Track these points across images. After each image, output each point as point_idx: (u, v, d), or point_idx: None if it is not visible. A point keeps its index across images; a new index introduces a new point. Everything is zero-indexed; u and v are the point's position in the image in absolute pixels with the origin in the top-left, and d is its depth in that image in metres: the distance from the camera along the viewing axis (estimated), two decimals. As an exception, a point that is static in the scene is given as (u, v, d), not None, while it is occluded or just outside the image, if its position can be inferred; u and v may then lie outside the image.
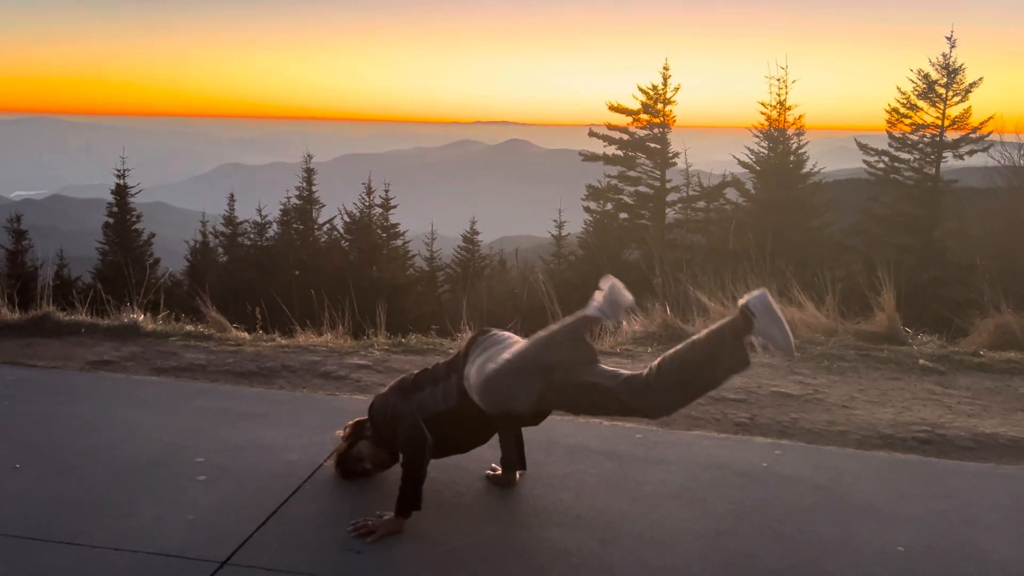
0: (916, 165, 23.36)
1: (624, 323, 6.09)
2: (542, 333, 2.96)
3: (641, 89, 25.26)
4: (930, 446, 3.95)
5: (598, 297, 2.89)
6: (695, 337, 2.94)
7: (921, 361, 5.20)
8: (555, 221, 27.40)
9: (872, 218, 23.30)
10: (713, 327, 2.93)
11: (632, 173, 25.35)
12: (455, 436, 3.12)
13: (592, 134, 26.00)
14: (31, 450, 3.55)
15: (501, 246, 34.84)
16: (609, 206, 25.47)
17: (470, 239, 28.62)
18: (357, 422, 3.33)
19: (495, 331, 3.20)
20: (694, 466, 3.57)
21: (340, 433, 3.34)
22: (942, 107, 22.95)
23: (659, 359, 2.94)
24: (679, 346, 2.95)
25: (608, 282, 2.90)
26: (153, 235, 27.52)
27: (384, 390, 3.29)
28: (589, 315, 2.88)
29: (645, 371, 2.93)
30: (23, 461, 3.43)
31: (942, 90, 22.93)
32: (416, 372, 3.26)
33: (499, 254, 30.53)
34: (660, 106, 25.03)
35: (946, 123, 22.94)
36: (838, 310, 6.09)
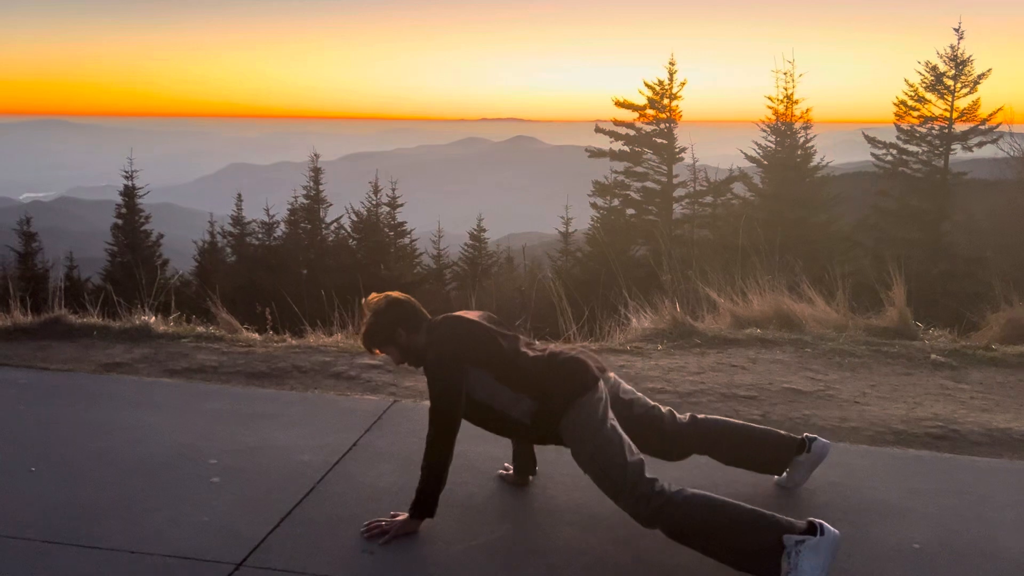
0: (924, 158, 23.24)
1: (633, 320, 6.09)
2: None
3: (647, 84, 25.20)
4: (943, 442, 3.93)
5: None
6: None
7: (933, 356, 5.18)
8: (562, 218, 27.39)
9: (881, 212, 23.20)
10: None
11: (639, 169, 25.29)
12: (481, 422, 3.02)
13: (598, 130, 25.94)
14: (46, 453, 3.57)
15: (508, 243, 34.85)
16: (616, 202, 25.42)
17: (477, 236, 28.64)
18: (387, 301, 3.06)
19: (615, 379, 3.12)
20: (707, 464, 3.55)
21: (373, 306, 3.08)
22: (950, 99, 22.82)
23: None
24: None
25: None
26: (162, 236, 27.63)
27: (464, 318, 3.03)
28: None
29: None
30: (38, 464, 3.45)
31: (950, 82, 22.80)
32: (510, 336, 3.03)
33: (506, 251, 30.56)
34: (666, 101, 24.95)
35: (954, 115, 22.81)
36: (848, 305, 6.07)
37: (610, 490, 2.81)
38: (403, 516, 2.94)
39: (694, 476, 3.44)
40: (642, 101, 25.19)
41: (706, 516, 2.66)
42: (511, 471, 3.34)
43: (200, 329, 5.77)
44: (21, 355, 5.15)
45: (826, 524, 2.55)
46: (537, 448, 3.35)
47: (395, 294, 3.12)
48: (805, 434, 3.24)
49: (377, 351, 3.10)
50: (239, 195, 28.48)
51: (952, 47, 22.71)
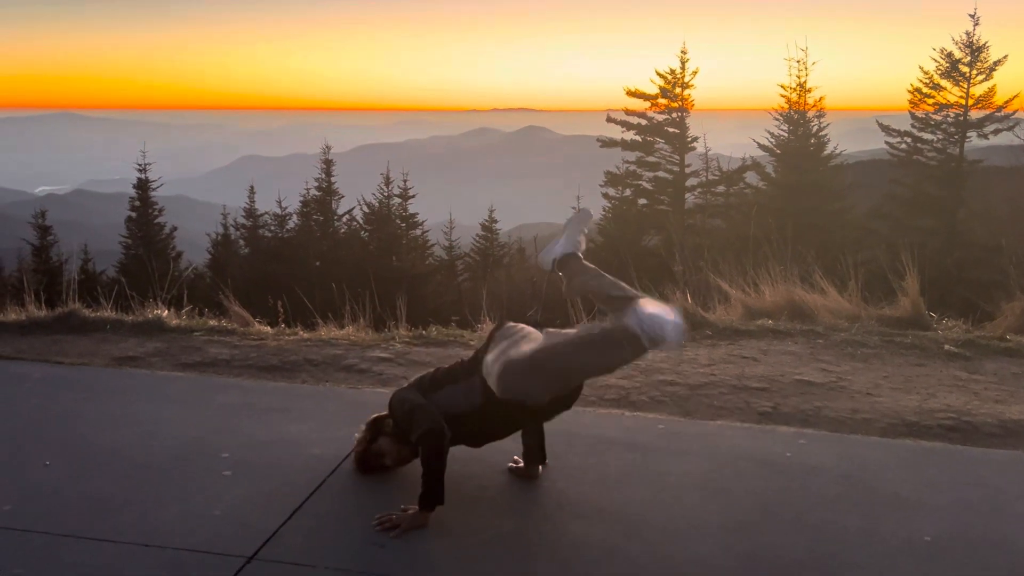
0: (939, 145, 23.03)
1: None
2: (576, 338, 2.90)
3: (659, 73, 25.07)
4: (956, 433, 3.91)
5: (647, 310, 2.80)
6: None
7: (946, 346, 5.15)
8: (573, 208, 27.29)
9: (895, 200, 23.02)
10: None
11: (651, 158, 25.19)
12: (474, 435, 3.14)
13: (610, 120, 25.84)
14: (60, 447, 3.60)
15: (519, 234, 34.83)
16: (628, 192, 25.34)
17: (488, 228, 28.63)
18: (375, 419, 3.34)
19: (513, 324, 3.20)
20: (717, 457, 3.56)
21: (358, 434, 3.36)
22: (966, 86, 22.59)
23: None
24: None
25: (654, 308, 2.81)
26: (175, 228, 27.77)
27: (404, 385, 3.31)
28: (630, 331, 2.77)
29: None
30: (52, 458, 3.48)
31: (966, 68, 22.57)
32: (434, 370, 3.27)
33: (518, 242, 30.54)
34: (678, 90, 24.83)
35: (970, 102, 22.59)
36: (861, 295, 6.04)
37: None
38: (413, 509, 2.95)
39: (717, 444, 3.44)
40: (654, 90, 25.09)
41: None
42: (521, 464, 3.35)
43: (212, 323, 5.81)
44: (36, 349, 5.19)
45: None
46: (547, 442, 3.36)
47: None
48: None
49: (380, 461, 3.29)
50: (252, 187, 28.58)
51: (968, 33, 22.49)
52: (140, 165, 27.26)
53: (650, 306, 2.82)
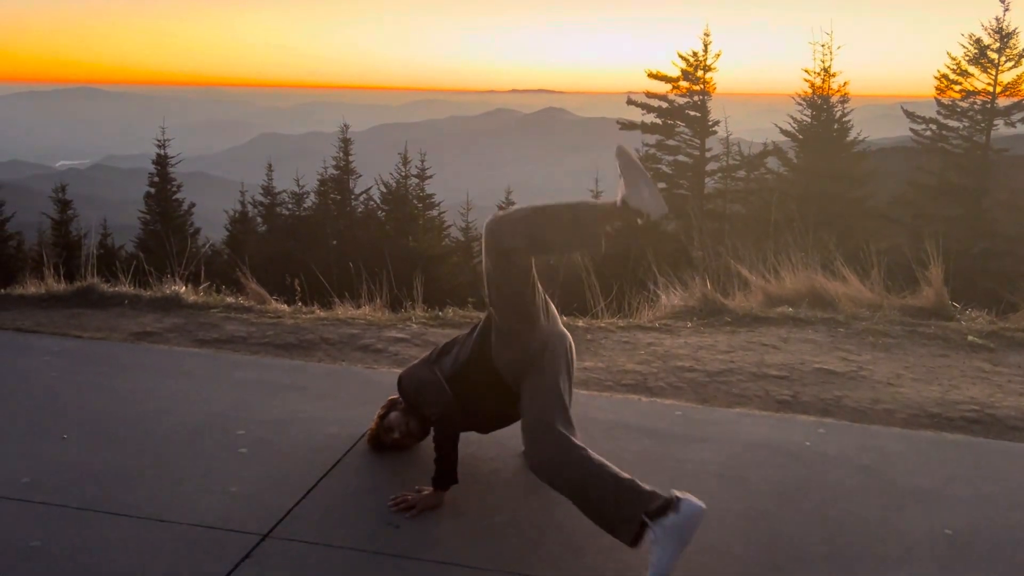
0: (965, 133, 22.69)
1: (663, 297, 6.03)
2: (568, 204, 2.92)
3: (681, 56, 24.81)
4: (979, 426, 3.85)
5: (631, 184, 2.78)
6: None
7: (970, 337, 5.07)
8: (591, 191, 27.14)
9: (918, 188, 22.73)
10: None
11: (671, 142, 24.98)
12: (473, 399, 3.06)
13: (630, 102, 25.62)
14: (78, 421, 3.61)
15: (537, 216, 34.60)
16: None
17: (505, 209, 28.54)
18: (391, 399, 3.35)
19: None
20: (735, 445, 3.52)
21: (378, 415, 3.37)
22: (994, 73, 22.22)
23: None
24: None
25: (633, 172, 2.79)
26: (193, 205, 27.89)
27: (412, 363, 3.32)
28: (631, 205, 2.76)
29: None
30: (70, 431, 3.49)
31: (994, 55, 22.18)
32: (441, 344, 3.27)
33: (535, 224, 30.35)
34: (700, 73, 24.56)
35: (998, 89, 22.22)
36: (883, 284, 5.95)
37: None
38: (428, 490, 2.94)
39: (735, 432, 3.40)
40: (675, 73, 24.83)
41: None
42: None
43: (230, 300, 5.81)
44: (55, 322, 5.21)
45: (687, 498, 2.48)
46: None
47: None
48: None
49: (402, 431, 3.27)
50: (269, 165, 28.63)
51: (997, 19, 22.10)
52: (159, 141, 27.37)
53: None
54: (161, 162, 27.45)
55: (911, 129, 23.47)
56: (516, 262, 2.90)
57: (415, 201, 26.97)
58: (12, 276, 9.06)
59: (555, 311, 3.15)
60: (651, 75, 25.22)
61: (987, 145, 22.33)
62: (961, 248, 17.17)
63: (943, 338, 5.08)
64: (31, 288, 5.98)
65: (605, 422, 3.71)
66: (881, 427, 3.80)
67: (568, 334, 3.12)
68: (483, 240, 2.95)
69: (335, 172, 27.25)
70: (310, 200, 27.55)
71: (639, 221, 2.86)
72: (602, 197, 24.47)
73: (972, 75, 22.56)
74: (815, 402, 4.09)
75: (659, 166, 24.97)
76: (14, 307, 5.56)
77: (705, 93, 24.70)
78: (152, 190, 27.35)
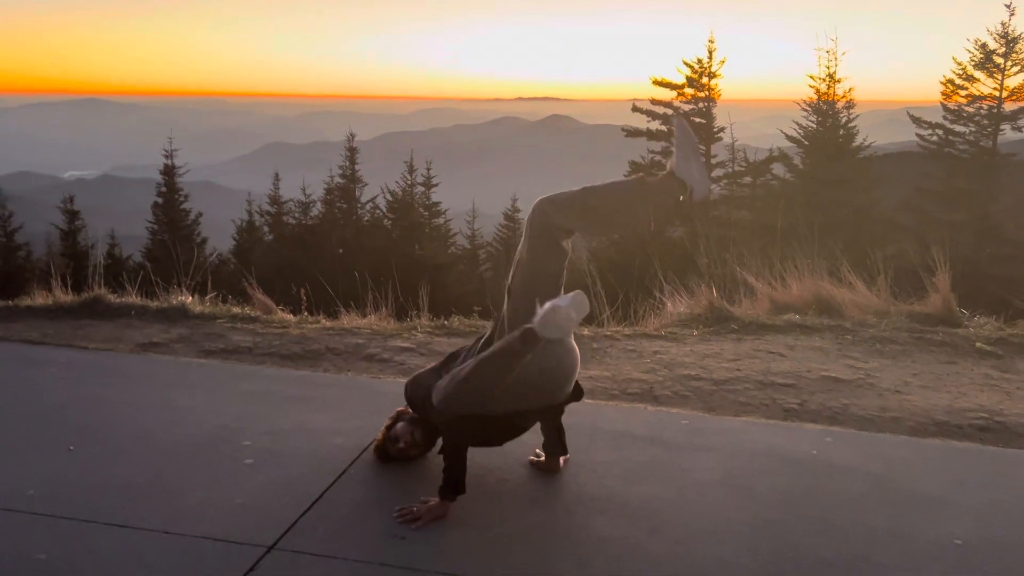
0: (972, 138, 22.64)
1: (669, 304, 6.02)
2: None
3: (686, 63, 24.82)
4: (988, 433, 3.83)
5: (684, 157, 2.85)
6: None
7: (978, 344, 5.04)
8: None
9: (925, 194, 22.68)
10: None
11: (676, 149, 24.95)
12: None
13: (635, 109, 25.62)
14: (84, 432, 3.62)
15: (543, 223, 34.59)
16: (653, 183, 25.14)
17: (511, 216, 28.57)
18: (399, 410, 3.35)
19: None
20: (742, 453, 3.51)
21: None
22: (1000, 77, 22.19)
23: None
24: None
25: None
26: (200, 214, 27.99)
27: (420, 371, 3.32)
28: (678, 175, 2.83)
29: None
30: (76, 443, 3.50)
31: (1000, 60, 22.15)
32: (449, 353, 3.27)
33: (541, 232, 30.35)
34: (705, 80, 24.56)
35: (1004, 94, 22.17)
36: (890, 290, 5.93)
37: None
38: (434, 500, 2.94)
39: (742, 440, 3.39)
40: (680, 80, 24.85)
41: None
42: (542, 458, 3.32)
43: (235, 310, 5.82)
44: (61, 333, 5.23)
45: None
46: (569, 435, 3.33)
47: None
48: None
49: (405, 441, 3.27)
50: (276, 174, 28.72)
51: (1003, 23, 22.09)
52: (166, 151, 27.49)
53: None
54: (168, 172, 27.59)
55: (917, 134, 23.43)
56: (558, 241, 2.94)
57: (421, 209, 27.02)
58: (20, 287, 9.10)
59: None
60: (656, 82, 25.24)
61: (994, 150, 22.28)
62: (968, 254, 17.12)
63: (951, 345, 5.06)
64: (38, 299, 6.01)
65: (611, 431, 3.70)
66: (889, 435, 3.78)
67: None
68: (529, 220, 2.97)
69: (341, 181, 27.33)
70: (316, 209, 27.64)
71: (681, 197, 2.90)
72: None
73: (978, 80, 22.54)
74: (822, 410, 4.07)
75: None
76: (22, 318, 5.58)
77: (710, 100, 24.70)
78: (159, 200, 27.48)
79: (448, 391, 2.87)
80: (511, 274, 3.03)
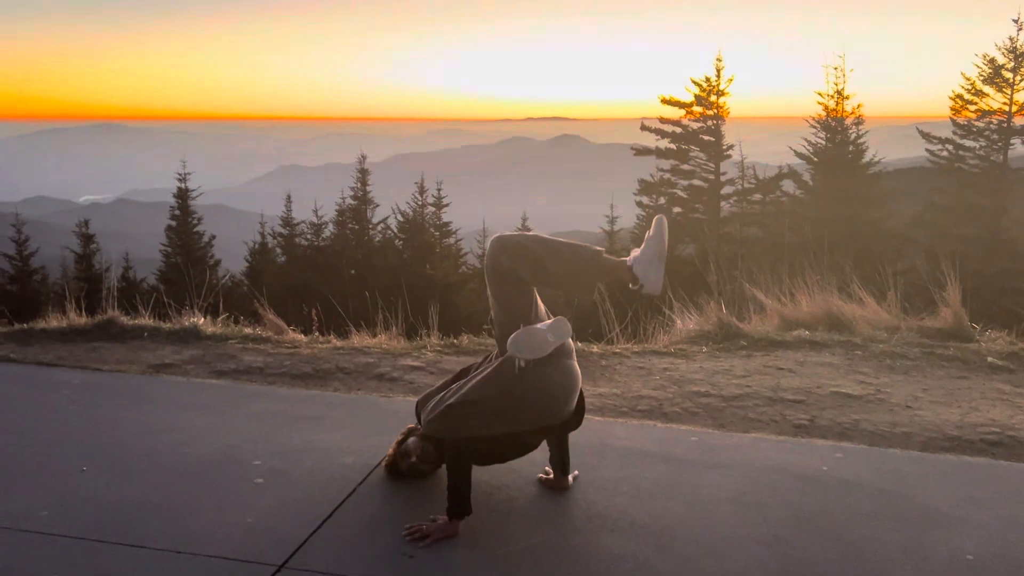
0: (982, 153, 22.57)
1: (678, 321, 6.02)
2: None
3: (694, 81, 24.94)
4: (1000, 448, 3.80)
5: (648, 255, 2.92)
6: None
7: (989, 359, 5.02)
8: (607, 216, 27.18)
9: (935, 209, 22.59)
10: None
11: (685, 166, 25.03)
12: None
13: (644, 128, 25.74)
14: (97, 453, 3.65)
15: (553, 242, 34.61)
16: (662, 200, 25.19)
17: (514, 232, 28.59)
18: (409, 427, 3.37)
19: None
20: (752, 470, 3.50)
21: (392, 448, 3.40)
22: (1009, 92, 22.14)
23: None
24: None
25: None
26: (214, 237, 28.16)
27: (430, 389, 3.34)
28: (635, 271, 2.92)
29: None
30: (89, 464, 3.53)
31: (1009, 74, 22.12)
32: (459, 370, 3.30)
33: (551, 251, 30.38)
34: (714, 98, 24.66)
35: (1014, 108, 22.12)
36: (900, 305, 5.92)
37: None
38: (443, 519, 2.94)
39: (752, 457, 3.38)
40: (689, 98, 24.95)
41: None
42: (551, 475, 3.32)
43: (247, 331, 5.87)
44: (75, 356, 5.28)
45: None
46: (579, 454, 3.33)
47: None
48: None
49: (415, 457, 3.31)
50: (288, 196, 28.88)
51: (1011, 38, 22.05)
52: (180, 175, 27.73)
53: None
54: (182, 195, 27.81)
55: (927, 150, 23.39)
56: (514, 281, 2.99)
57: (432, 229, 27.10)
58: (36, 310, 9.19)
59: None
60: (664, 101, 25.35)
61: (1004, 164, 22.19)
62: (979, 268, 17.00)
63: (962, 360, 5.03)
64: (53, 322, 6.07)
65: (621, 448, 3.70)
66: (900, 451, 3.76)
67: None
68: (485, 261, 3.04)
69: (353, 202, 27.47)
70: (328, 230, 27.77)
71: (632, 286, 2.98)
72: (617, 221, 24.24)
73: (987, 95, 22.50)
74: (832, 426, 4.05)
75: (674, 190, 25.00)
76: (37, 341, 5.64)
77: (719, 118, 24.77)
78: (173, 223, 27.68)
79: (434, 416, 2.94)
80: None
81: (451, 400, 2.91)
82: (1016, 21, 21.74)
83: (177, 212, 27.72)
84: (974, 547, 2.88)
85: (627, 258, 2.98)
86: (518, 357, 2.82)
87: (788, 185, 24.34)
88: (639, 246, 3.01)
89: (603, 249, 3.06)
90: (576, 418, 3.14)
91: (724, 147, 24.66)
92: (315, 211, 27.62)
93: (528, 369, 2.86)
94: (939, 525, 3.04)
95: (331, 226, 27.75)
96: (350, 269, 24.87)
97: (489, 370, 2.94)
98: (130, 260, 25.97)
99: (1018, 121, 22.12)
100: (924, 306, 6.03)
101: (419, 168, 30.96)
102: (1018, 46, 21.96)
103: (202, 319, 6.01)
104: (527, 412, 2.94)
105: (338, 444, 3.75)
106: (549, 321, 2.88)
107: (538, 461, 3.36)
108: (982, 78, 22.49)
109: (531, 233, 3.07)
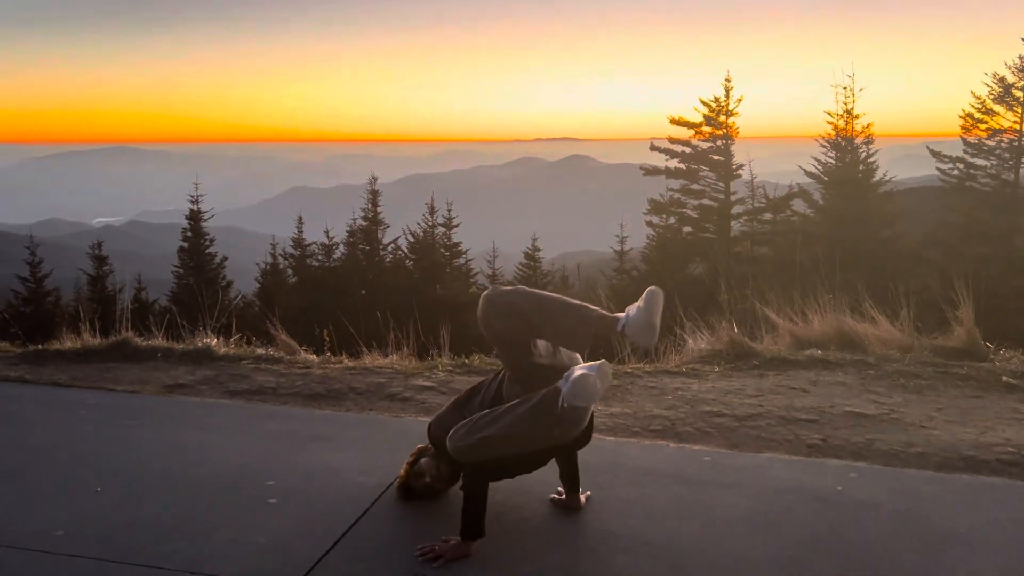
0: (993, 171, 22.54)
1: (690, 341, 6.01)
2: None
3: (703, 102, 25.04)
4: (1016, 468, 3.77)
5: (642, 320, 2.93)
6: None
7: (1004, 378, 4.98)
8: (617, 236, 27.23)
9: (947, 227, 22.53)
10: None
11: (695, 186, 25.07)
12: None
13: (654, 148, 25.83)
14: (111, 473, 3.67)
15: (563, 262, 34.81)
16: (672, 220, 25.22)
17: (532, 256, 28.67)
18: (419, 447, 3.38)
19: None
20: (765, 490, 3.48)
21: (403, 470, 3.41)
22: (1020, 111, 22.12)
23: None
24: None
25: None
26: (226, 258, 28.32)
27: (441, 410, 3.35)
28: (626, 332, 2.94)
29: None
30: (104, 484, 3.55)
31: (1019, 93, 22.14)
32: (469, 388, 3.30)
33: (561, 270, 30.50)
34: (723, 118, 24.73)
35: (1024, 127, 22.11)
36: (914, 325, 5.88)
37: None
38: (456, 539, 2.94)
39: (765, 477, 3.36)
40: (698, 118, 25.04)
41: None
42: (564, 496, 3.32)
43: (260, 351, 5.89)
44: (90, 376, 5.32)
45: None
46: (592, 474, 3.33)
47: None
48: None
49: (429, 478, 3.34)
50: (300, 218, 29.07)
51: (1021, 57, 22.11)
52: (192, 197, 27.96)
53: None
54: (194, 217, 28.01)
55: (938, 168, 23.36)
56: (506, 340, 3.05)
57: (442, 250, 27.20)
58: (50, 331, 9.26)
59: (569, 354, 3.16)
60: (673, 121, 25.44)
61: (1016, 183, 22.14)
62: (993, 287, 16.88)
63: (976, 379, 5.00)
64: (67, 343, 6.12)
65: (633, 468, 3.69)
66: (915, 471, 3.73)
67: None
68: (478, 310, 3.05)
69: (364, 223, 27.62)
70: (339, 251, 27.90)
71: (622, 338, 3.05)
72: (626, 249, 24.15)
73: (998, 113, 22.50)
74: (846, 446, 4.03)
75: (684, 210, 25.02)
76: (51, 362, 5.69)
77: (728, 137, 24.82)
78: (185, 244, 27.87)
79: (470, 443, 2.89)
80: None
81: (489, 432, 2.87)
82: (1025, 39, 21.78)
83: (189, 234, 27.92)
84: (991, 568, 2.86)
85: (620, 315, 3.01)
86: (573, 405, 2.80)
87: (799, 204, 24.32)
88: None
89: (595, 308, 3.07)
90: (585, 435, 3.14)
91: (734, 166, 24.69)
92: (326, 232, 27.78)
93: (568, 408, 2.85)
94: (955, 546, 3.01)
95: (342, 247, 27.89)
96: (361, 290, 24.95)
97: (530, 405, 2.88)
98: (143, 281, 26.14)
99: (1029, 139, 22.09)
100: (937, 325, 6.00)
101: (429, 189, 31.11)
102: (1028, 65, 21.98)
103: (215, 340, 6.05)
104: (551, 440, 2.97)
105: (351, 464, 3.76)
106: (595, 365, 2.85)
107: (550, 481, 3.36)
108: (992, 96, 22.51)
109: (520, 289, 3.09)
